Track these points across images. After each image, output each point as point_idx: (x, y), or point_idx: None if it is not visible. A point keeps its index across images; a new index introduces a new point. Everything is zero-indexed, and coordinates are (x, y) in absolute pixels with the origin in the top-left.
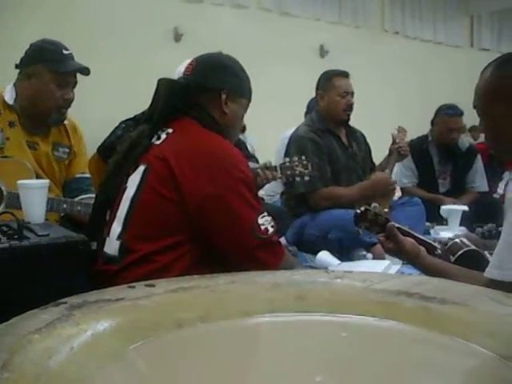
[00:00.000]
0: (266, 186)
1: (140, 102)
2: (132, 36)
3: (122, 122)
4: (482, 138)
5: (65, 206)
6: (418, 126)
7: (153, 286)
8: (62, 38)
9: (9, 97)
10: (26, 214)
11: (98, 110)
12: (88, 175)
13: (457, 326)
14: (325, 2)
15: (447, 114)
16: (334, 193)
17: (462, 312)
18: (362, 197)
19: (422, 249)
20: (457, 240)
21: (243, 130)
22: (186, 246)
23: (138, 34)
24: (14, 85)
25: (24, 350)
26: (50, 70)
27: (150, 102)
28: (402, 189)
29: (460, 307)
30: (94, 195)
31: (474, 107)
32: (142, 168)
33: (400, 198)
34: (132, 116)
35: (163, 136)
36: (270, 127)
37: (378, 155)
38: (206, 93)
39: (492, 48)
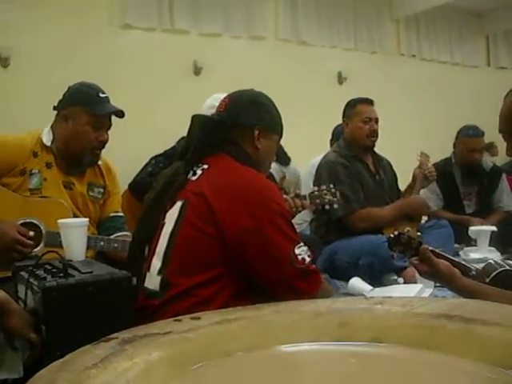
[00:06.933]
0: None
1: (164, 136)
2: (152, 72)
3: (153, 158)
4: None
5: (102, 243)
6: (441, 149)
7: (198, 318)
8: (82, 76)
9: (46, 138)
10: (67, 252)
11: (123, 145)
12: (121, 214)
13: (501, 348)
14: (340, 30)
15: (467, 135)
16: (371, 214)
17: (506, 333)
18: (398, 216)
19: (457, 271)
20: (491, 261)
21: (288, 162)
22: (225, 278)
23: (157, 69)
24: (52, 127)
25: None
26: (87, 112)
27: (174, 135)
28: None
29: (502, 328)
30: (128, 233)
31: (500, 131)
32: (179, 204)
33: (427, 221)
34: (162, 152)
35: (199, 172)
36: (291, 155)
37: (402, 180)
38: (239, 129)
39: (509, 66)
